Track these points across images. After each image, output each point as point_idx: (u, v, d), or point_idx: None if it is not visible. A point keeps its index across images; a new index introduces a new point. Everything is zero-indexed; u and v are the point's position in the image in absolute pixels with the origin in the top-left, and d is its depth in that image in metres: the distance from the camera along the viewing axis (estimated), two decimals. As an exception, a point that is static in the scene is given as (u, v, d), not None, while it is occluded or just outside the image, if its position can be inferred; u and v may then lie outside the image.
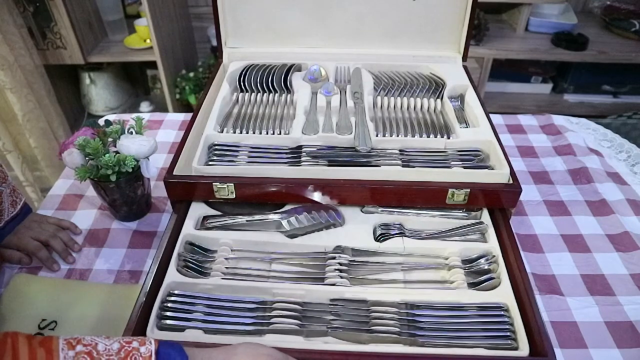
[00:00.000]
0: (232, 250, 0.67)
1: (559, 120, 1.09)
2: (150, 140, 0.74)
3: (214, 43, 2.06)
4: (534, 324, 0.55)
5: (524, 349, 0.54)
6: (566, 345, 0.63)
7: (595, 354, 0.62)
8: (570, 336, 0.64)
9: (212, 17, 0.89)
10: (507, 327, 0.57)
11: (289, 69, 0.87)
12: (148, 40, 1.85)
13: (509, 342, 0.55)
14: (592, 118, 1.13)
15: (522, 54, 1.87)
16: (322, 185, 0.65)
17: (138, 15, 1.97)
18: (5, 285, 0.71)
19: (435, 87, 0.84)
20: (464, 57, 0.91)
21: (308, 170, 0.67)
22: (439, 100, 0.82)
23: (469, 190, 0.64)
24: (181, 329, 0.56)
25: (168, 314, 0.57)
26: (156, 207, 0.84)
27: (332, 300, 0.59)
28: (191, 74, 1.99)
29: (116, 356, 0.41)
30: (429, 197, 0.66)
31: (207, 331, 0.56)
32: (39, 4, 1.67)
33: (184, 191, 0.67)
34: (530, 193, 0.88)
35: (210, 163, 0.69)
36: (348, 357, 0.53)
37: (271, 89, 0.84)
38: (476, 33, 1.85)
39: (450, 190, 0.64)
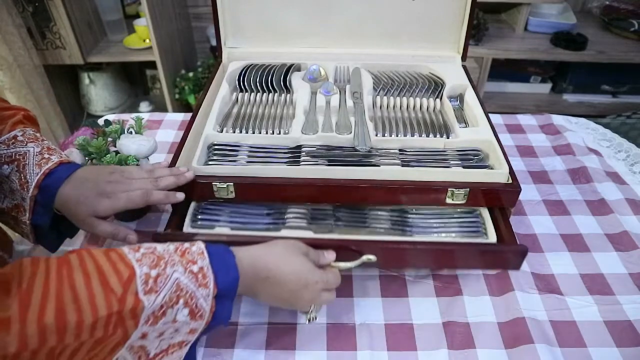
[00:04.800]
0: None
1: (558, 120, 1.09)
2: (150, 140, 0.74)
3: (214, 43, 2.06)
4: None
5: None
6: (565, 345, 0.63)
7: (594, 353, 0.62)
8: (569, 335, 0.64)
9: (212, 17, 0.89)
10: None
11: (289, 69, 0.87)
12: (147, 40, 1.86)
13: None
14: (591, 118, 1.14)
15: (522, 53, 1.87)
16: (322, 184, 0.65)
17: (137, 15, 1.97)
18: None
19: (435, 86, 0.84)
20: (464, 57, 0.91)
21: (307, 170, 0.67)
22: (438, 100, 0.82)
23: (468, 189, 0.64)
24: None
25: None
26: (156, 207, 0.84)
27: (335, 206, 0.70)
28: (190, 74, 1.99)
29: (174, 253, 0.47)
30: (429, 196, 0.66)
31: (232, 229, 0.66)
32: (38, 4, 1.67)
33: (184, 191, 0.67)
34: (529, 193, 0.88)
35: (210, 163, 0.69)
36: (349, 244, 0.61)
37: (271, 88, 0.84)
38: (475, 33, 1.85)
39: (449, 190, 0.64)
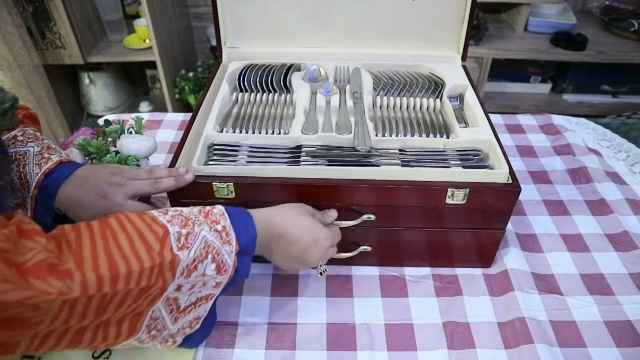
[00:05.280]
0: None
1: (558, 120, 1.09)
2: (150, 140, 0.74)
3: (214, 43, 2.06)
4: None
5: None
6: (565, 345, 0.63)
7: (594, 353, 0.62)
8: (569, 335, 0.64)
9: (212, 17, 0.89)
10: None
11: (289, 69, 0.87)
12: (147, 40, 1.86)
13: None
14: (591, 118, 1.14)
15: (522, 53, 1.87)
16: (322, 184, 0.65)
17: (137, 15, 1.97)
18: None
19: (435, 86, 0.84)
20: (464, 57, 0.91)
21: (307, 170, 0.67)
22: (438, 100, 0.82)
23: (468, 190, 0.64)
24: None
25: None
26: (156, 207, 0.84)
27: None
28: (190, 74, 1.99)
29: (199, 215, 0.52)
30: (429, 196, 0.66)
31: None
32: (38, 4, 1.67)
33: (184, 191, 0.67)
34: (529, 193, 0.88)
35: (210, 163, 0.69)
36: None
37: (271, 88, 0.84)
38: (475, 33, 1.85)
39: (449, 190, 0.64)
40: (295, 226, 0.59)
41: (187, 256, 0.48)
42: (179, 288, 0.50)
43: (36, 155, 0.62)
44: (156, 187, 0.63)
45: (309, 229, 0.60)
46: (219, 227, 0.52)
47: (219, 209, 0.54)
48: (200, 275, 0.50)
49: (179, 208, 0.53)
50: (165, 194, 0.67)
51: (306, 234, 0.59)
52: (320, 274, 0.65)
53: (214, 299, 0.56)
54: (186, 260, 0.48)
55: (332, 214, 0.66)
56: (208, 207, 0.54)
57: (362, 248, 0.71)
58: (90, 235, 0.46)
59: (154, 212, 0.51)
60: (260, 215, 0.57)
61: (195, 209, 0.53)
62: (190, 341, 0.58)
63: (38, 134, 0.66)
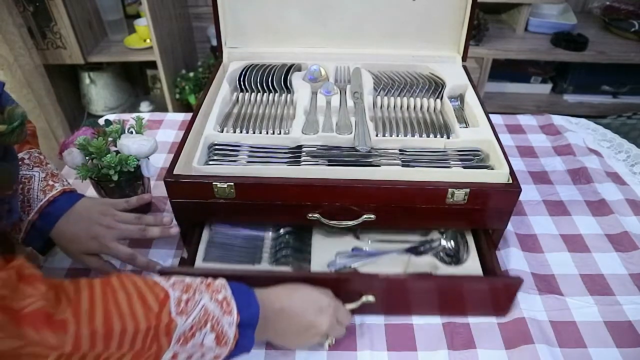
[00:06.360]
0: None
1: (558, 120, 1.09)
2: (150, 140, 0.74)
3: (214, 43, 2.06)
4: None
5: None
6: (565, 345, 0.63)
7: (594, 354, 0.62)
8: (569, 336, 0.64)
9: (212, 17, 0.89)
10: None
11: (289, 69, 0.87)
12: (148, 40, 1.86)
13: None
14: (591, 118, 1.14)
15: (522, 54, 1.87)
16: (322, 184, 0.65)
17: (138, 15, 1.97)
18: None
19: (435, 87, 0.84)
20: (464, 57, 0.91)
21: (308, 170, 0.67)
22: (438, 100, 0.82)
23: (468, 190, 0.64)
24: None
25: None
26: (156, 207, 0.84)
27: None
28: (191, 74, 1.99)
29: (200, 284, 0.52)
30: (429, 196, 0.66)
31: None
32: (39, 3, 1.67)
33: (184, 191, 0.67)
34: (529, 193, 0.88)
35: (210, 163, 0.69)
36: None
37: (271, 88, 0.84)
38: (476, 33, 1.85)
39: (450, 190, 0.64)
40: (295, 297, 0.58)
41: (184, 322, 0.47)
42: (174, 356, 0.48)
43: (41, 181, 0.65)
44: (144, 234, 0.68)
45: (311, 297, 0.58)
46: (219, 297, 0.51)
47: (221, 281, 0.54)
48: (198, 345, 0.49)
49: (182, 276, 0.53)
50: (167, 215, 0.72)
51: (309, 303, 0.58)
52: (329, 345, 0.61)
53: None
54: (184, 326, 0.47)
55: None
56: (210, 278, 0.54)
57: (364, 298, 0.63)
58: (90, 291, 0.46)
59: (156, 277, 0.51)
60: (259, 291, 0.56)
61: (198, 279, 0.53)
62: None
63: (42, 157, 0.69)
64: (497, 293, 0.64)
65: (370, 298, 0.62)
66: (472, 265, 0.71)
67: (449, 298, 0.65)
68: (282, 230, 0.75)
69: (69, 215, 0.64)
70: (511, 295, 0.65)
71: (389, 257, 0.72)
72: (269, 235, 0.75)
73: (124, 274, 0.49)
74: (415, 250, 0.72)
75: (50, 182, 0.65)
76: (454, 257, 0.72)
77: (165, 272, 0.55)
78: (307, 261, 0.71)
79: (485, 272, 0.69)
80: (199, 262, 0.70)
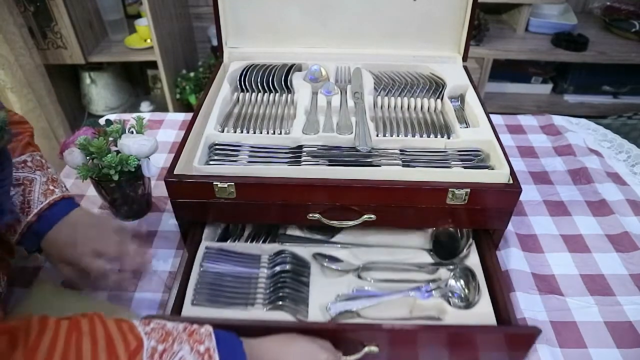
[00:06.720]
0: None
1: (558, 120, 1.09)
2: (151, 139, 0.74)
3: (215, 43, 2.06)
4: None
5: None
6: (566, 345, 0.63)
7: (594, 354, 0.62)
8: (570, 336, 0.64)
9: (213, 17, 0.89)
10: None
11: (290, 69, 0.87)
12: (148, 40, 1.86)
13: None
14: (592, 118, 1.14)
15: (522, 54, 1.87)
16: (322, 184, 0.65)
17: (138, 15, 1.97)
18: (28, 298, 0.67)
19: (436, 87, 0.84)
20: (464, 58, 0.91)
21: (308, 170, 0.67)
22: (439, 101, 0.82)
23: (469, 190, 0.64)
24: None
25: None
26: (156, 207, 0.85)
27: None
28: (191, 74, 1.99)
29: (182, 332, 0.48)
30: (429, 196, 0.66)
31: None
32: (40, 3, 1.67)
33: (185, 190, 0.67)
34: (530, 193, 0.88)
35: (211, 163, 0.69)
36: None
37: (272, 88, 0.84)
38: (476, 33, 1.85)
39: (450, 190, 0.64)
40: (290, 351, 0.53)
41: None
42: None
43: (42, 184, 0.65)
44: (119, 259, 0.64)
45: (308, 351, 0.53)
46: (201, 348, 0.47)
47: (207, 328, 0.49)
48: None
49: (164, 321, 0.49)
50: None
51: (304, 358, 0.53)
52: None
53: None
54: None
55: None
56: (195, 325, 0.49)
57: (366, 349, 0.58)
58: (54, 334, 0.42)
59: (135, 321, 0.47)
60: (249, 342, 0.52)
61: (181, 325, 0.49)
62: None
63: (43, 161, 0.69)
64: (512, 344, 0.59)
65: (374, 349, 0.57)
66: (483, 310, 0.64)
67: (460, 350, 0.61)
68: (277, 268, 0.69)
69: (63, 223, 0.64)
70: (528, 346, 0.60)
71: (393, 299, 0.65)
72: (264, 272, 0.69)
73: (98, 316, 0.46)
74: (421, 291, 0.66)
75: (51, 187, 0.65)
76: (464, 299, 0.66)
77: (149, 317, 0.51)
78: (304, 303, 0.66)
79: (498, 316, 0.63)
80: (187, 305, 0.64)
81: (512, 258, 0.74)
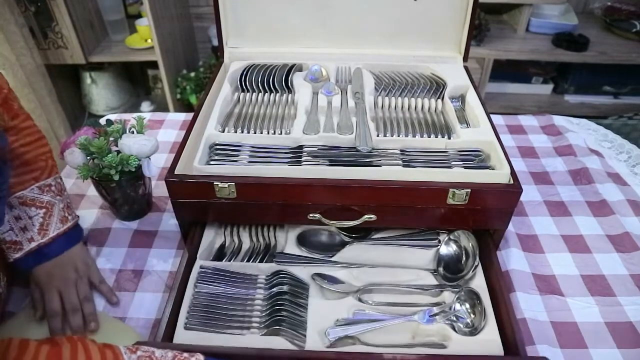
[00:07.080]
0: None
1: (559, 120, 1.09)
2: (151, 139, 0.74)
3: (215, 43, 2.06)
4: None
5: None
6: (566, 345, 0.63)
7: (595, 354, 0.62)
8: (570, 336, 0.64)
9: (213, 17, 0.89)
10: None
11: (290, 69, 0.87)
12: (149, 40, 1.86)
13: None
14: (592, 119, 1.14)
15: (523, 54, 1.88)
16: (323, 185, 0.65)
17: (139, 15, 1.97)
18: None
19: (436, 87, 0.84)
20: (465, 58, 0.91)
21: (309, 170, 0.67)
22: (439, 101, 0.82)
23: (469, 190, 0.64)
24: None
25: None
26: (157, 207, 0.85)
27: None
28: (192, 74, 2.00)
29: None
30: (430, 197, 0.66)
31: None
32: (40, 3, 1.67)
33: (185, 190, 0.67)
34: (530, 193, 0.88)
35: (211, 163, 0.69)
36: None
37: (272, 88, 0.84)
38: (477, 34, 1.85)
39: (450, 190, 0.64)
40: None
41: None
42: None
43: (61, 210, 0.69)
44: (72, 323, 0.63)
45: None
46: None
47: (198, 358, 0.47)
48: None
49: (152, 349, 0.47)
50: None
51: None
52: None
53: None
54: None
55: None
56: (185, 355, 0.47)
57: None
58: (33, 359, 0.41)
59: (122, 348, 0.45)
60: None
61: (170, 353, 0.46)
62: None
63: (62, 185, 0.73)
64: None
65: None
66: (490, 336, 0.61)
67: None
68: (274, 290, 0.66)
69: (71, 250, 0.68)
70: None
71: (395, 323, 0.63)
72: (260, 293, 0.66)
73: (81, 341, 0.44)
74: (424, 315, 0.63)
75: (66, 214, 0.69)
76: (469, 324, 0.63)
77: (138, 344, 0.49)
78: (302, 327, 0.63)
79: (504, 342, 0.60)
80: (179, 329, 0.61)
81: (513, 258, 0.74)
